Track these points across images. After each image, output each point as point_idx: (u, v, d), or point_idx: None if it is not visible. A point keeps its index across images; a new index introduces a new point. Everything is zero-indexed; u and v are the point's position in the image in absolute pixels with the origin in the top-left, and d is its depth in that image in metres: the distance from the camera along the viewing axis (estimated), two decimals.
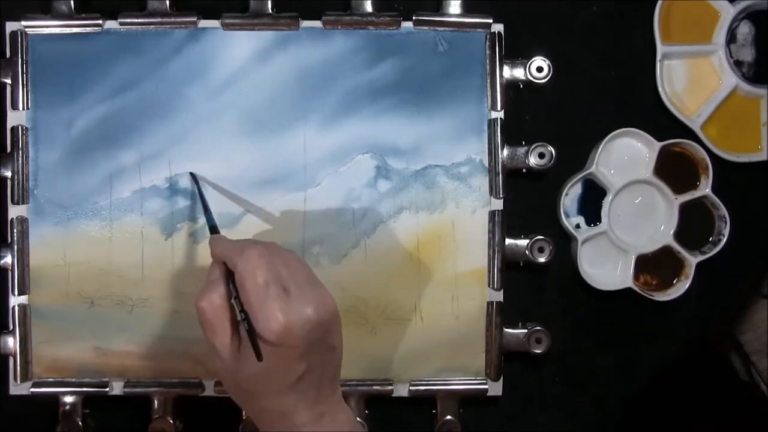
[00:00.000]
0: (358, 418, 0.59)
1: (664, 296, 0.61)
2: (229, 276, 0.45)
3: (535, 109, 0.62)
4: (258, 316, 0.43)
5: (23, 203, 0.58)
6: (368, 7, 0.60)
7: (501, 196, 0.60)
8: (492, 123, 0.60)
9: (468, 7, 0.60)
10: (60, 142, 0.59)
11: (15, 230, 0.58)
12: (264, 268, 0.44)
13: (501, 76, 0.60)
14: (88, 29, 0.59)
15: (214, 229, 0.52)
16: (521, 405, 0.63)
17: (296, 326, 0.43)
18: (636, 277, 0.61)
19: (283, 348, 0.43)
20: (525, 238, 0.60)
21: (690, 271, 0.61)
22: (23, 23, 0.59)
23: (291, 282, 0.44)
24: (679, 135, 0.62)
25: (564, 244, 0.62)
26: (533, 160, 0.60)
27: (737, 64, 0.63)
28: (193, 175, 0.58)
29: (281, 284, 0.44)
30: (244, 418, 0.59)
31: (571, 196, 0.62)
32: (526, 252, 0.60)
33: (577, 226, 0.62)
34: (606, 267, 0.62)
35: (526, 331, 0.60)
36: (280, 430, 0.46)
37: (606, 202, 0.61)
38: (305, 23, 0.60)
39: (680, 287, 0.61)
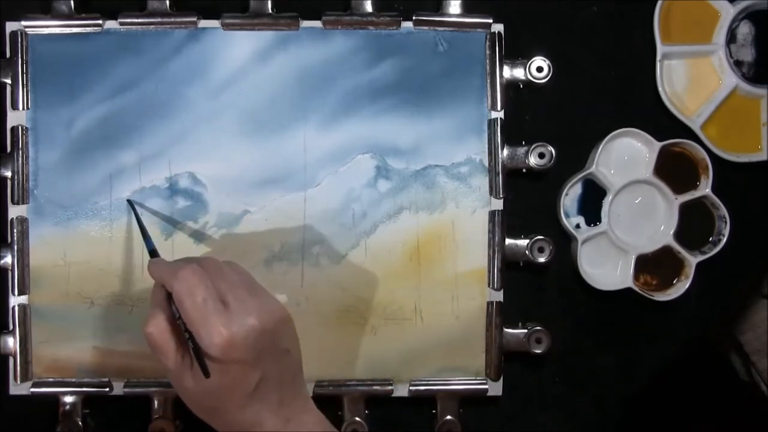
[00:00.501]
0: (361, 419, 0.59)
1: (664, 296, 0.61)
2: (170, 298, 0.45)
3: (535, 109, 0.62)
4: (201, 334, 0.43)
5: (23, 203, 0.58)
6: (368, 7, 0.60)
7: (501, 196, 0.60)
8: (492, 123, 0.60)
9: (468, 7, 0.60)
10: (60, 142, 0.59)
11: (15, 230, 0.58)
12: (200, 286, 0.44)
13: (501, 76, 0.60)
14: (88, 29, 0.59)
15: (153, 254, 0.52)
16: (521, 405, 0.63)
17: (239, 338, 0.43)
18: (636, 277, 0.61)
19: (231, 360, 0.43)
20: (525, 238, 0.60)
21: (690, 271, 0.61)
22: (23, 23, 0.59)
23: (229, 294, 0.44)
24: (679, 135, 0.62)
25: (564, 244, 0.62)
26: (533, 160, 0.60)
27: (737, 64, 0.63)
28: (129, 202, 0.58)
29: (220, 298, 0.44)
30: None
31: (571, 196, 0.62)
32: (526, 252, 0.60)
33: (577, 226, 0.62)
34: (606, 267, 0.62)
35: (526, 331, 0.60)
36: None
37: (606, 202, 0.61)
38: (305, 23, 0.60)
39: (680, 287, 0.61)
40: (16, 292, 0.58)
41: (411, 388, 0.60)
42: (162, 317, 0.45)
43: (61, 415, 0.59)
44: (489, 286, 0.60)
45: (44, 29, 0.59)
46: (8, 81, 0.59)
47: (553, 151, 0.60)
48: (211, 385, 0.44)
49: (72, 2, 0.59)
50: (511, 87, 0.61)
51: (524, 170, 0.61)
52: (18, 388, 0.59)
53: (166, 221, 0.59)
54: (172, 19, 0.59)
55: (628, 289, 0.61)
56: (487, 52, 0.60)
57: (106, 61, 0.59)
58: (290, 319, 0.47)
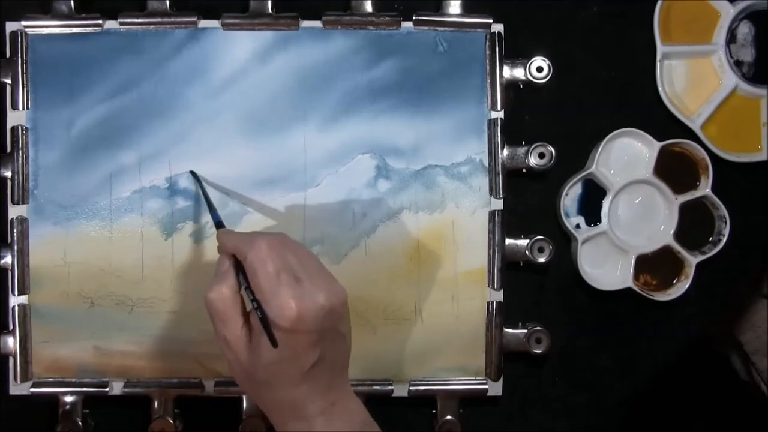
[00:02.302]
0: None
1: (664, 296, 0.61)
2: (239, 267, 0.46)
3: (535, 109, 0.62)
4: (271, 304, 0.43)
5: (23, 203, 0.58)
6: (368, 7, 0.60)
7: (501, 196, 0.60)
8: (492, 123, 0.60)
9: (468, 7, 0.60)
10: (60, 142, 0.59)
11: (15, 230, 0.58)
12: (275, 257, 0.44)
13: (501, 76, 0.60)
14: (88, 29, 0.59)
15: (220, 225, 0.52)
16: (521, 405, 0.63)
17: (309, 313, 0.43)
18: (636, 277, 0.61)
19: (297, 335, 0.43)
20: (525, 238, 0.60)
21: (690, 271, 0.61)
22: (23, 23, 0.59)
23: (302, 271, 0.45)
24: (679, 135, 0.62)
25: (564, 244, 0.62)
26: (533, 160, 0.60)
27: (737, 64, 0.63)
28: (193, 174, 0.59)
29: (292, 273, 0.44)
30: (244, 418, 0.59)
31: (571, 196, 0.62)
32: (526, 252, 0.60)
33: (577, 226, 0.62)
34: (606, 267, 0.62)
35: (526, 331, 0.60)
36: (292, 420, 0.46)
37: (606, 202, 0.61)
38: (305, 23, 0.60)
39: (680, 287, 0.61)
40: (16, 292, 0.58)
41: (411, 388, 0.60)
42: (226, 285, 0.45)
43: (61, 415, 0.59)
44: (489, 286, 0.60)
45: (44, 29, 0.59)
46: (8, 81, 0.59)
47: (553, 151, 0.60)
48: (270, 358, 0.44)
49: (72, 2, 0.59)
50: (511, 87, 0.61)
51: (524, 170, 0.61)
52: (18, 388, 0.59)
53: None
54: (172, 19, 0.59)
55: (628, 289, 0.61)
56: (487, 52, 0.60)
57: (106, 61, 0.59)
58: (348, 305, 0.47)
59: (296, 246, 0.47)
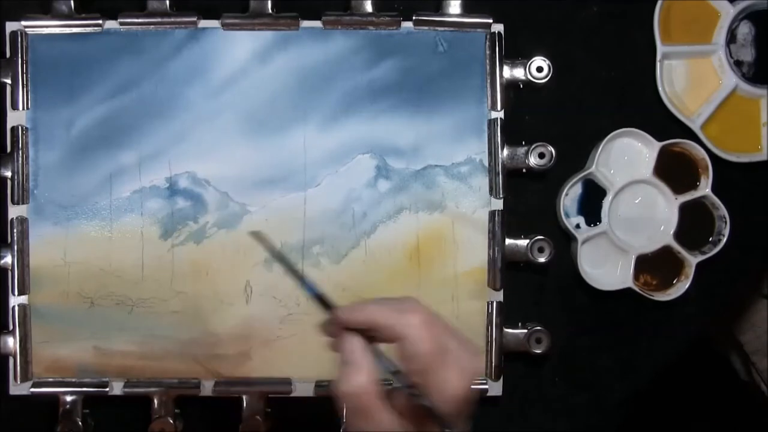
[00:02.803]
0: None
1: (664, 296, 0.61)
2: (373, 349, 0.41)
3: (535, 109, 0.62)
4: (438, 386, 0.39)
5: (23, 203, 0.58)
6: (368, 7, 0.60)
7: (501, 196, 0.60)
8: (492, 123, 0.60)
9: (468, 7, 0.60)
10: (60, 142, 0.59)
11: (15, 230, 0.58)
12: (434, 330, 0.40)
13: (501, 76, 0.60)
14: (88, 29, 0.59)
15: (322, 299, 0.43)
16: (521, 405, 0.63)
17: (470, 386, 0.40)
18: (636, 277, 0.61)
19: (464, 410, 0.40)
20: (525, 238, 0.60)
21: (690, 271, 0.61)
22: (23, 23, 0.59)
23: (452, 341, 0.40)
24: (679, 135, 0.62)
25: (564, 244, 0.62)
26: (533, 160, 0.60)
27: (737, 64, 0.63)
28: (256, 234, 0.48)
29: (445, 346, 0.40)
30: (244, 418, 0.59)
31: (571, 196, 0.62)
32: (526, 252, 0.60)
33: (577, 226, 0.62)
34: (606, 267, 0.62)
35: (526, 331, 0.60)
36: None
37: (606, 202, 0.61)
38: (305, 23, 0.60)
39: (680, 287, 0.61)
40: (16, 292, 0.58)
41: None
42: (362, 375, 0.39)
43: (61, 415, 0.59)
44: (489, 286, 0.60)
45: (44, 29, 0.59)
46: (8, 81, 0.59)
47: (553, 151, 0.60)
48: None
49: (72, 2, 0.59)
50: (511, 87, 0.61)
51: (524, 170, 0.61)
52: (18, 388, 0.59)
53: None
54: (172, 19, 0.59)
55: (628, 289, 0.61)
56: (487, 52, 0.60)
57: (106, 61, 0.59)
58: None
59: (438, 316, 0.42)
